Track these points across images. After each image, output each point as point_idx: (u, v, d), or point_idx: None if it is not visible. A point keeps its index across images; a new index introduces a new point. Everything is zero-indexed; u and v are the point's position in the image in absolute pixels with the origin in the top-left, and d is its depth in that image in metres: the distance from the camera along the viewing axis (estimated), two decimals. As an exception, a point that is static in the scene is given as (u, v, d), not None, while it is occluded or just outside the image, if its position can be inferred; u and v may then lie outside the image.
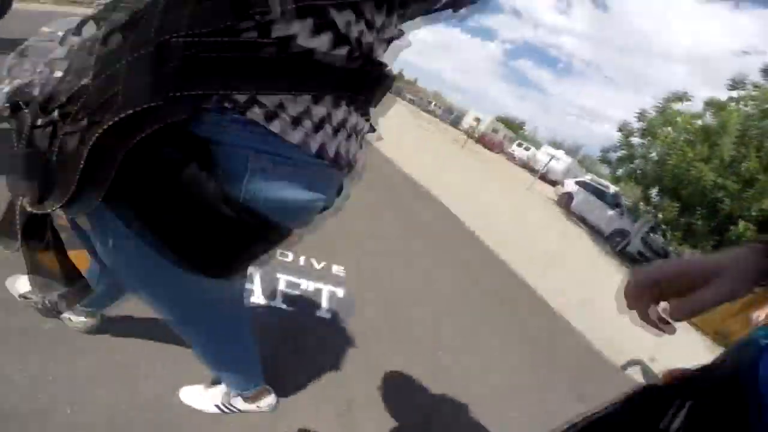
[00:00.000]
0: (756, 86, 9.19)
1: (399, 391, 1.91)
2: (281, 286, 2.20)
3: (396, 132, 11.59)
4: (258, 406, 1.37)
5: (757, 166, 8.10)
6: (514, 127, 51.11)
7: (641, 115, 11.34)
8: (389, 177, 5.94)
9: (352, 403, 1.69)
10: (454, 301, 3.10)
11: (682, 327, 4.26)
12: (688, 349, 5.11)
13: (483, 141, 26.38)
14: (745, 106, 9.20)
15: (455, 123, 34.20)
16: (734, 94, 9.61)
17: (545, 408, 2.38)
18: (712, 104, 9.89)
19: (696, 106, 10.66)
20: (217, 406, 1.33)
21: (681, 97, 10.72)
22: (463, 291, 3.35)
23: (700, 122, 10.08)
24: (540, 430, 2.21)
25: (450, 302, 3.05)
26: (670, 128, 10.44)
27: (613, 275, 7.77)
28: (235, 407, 1.34)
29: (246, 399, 1.34)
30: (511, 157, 27.07)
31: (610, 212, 12.09)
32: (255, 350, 1.21)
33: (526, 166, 25.28)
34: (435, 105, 39.79)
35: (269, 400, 1.41)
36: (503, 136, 30.99)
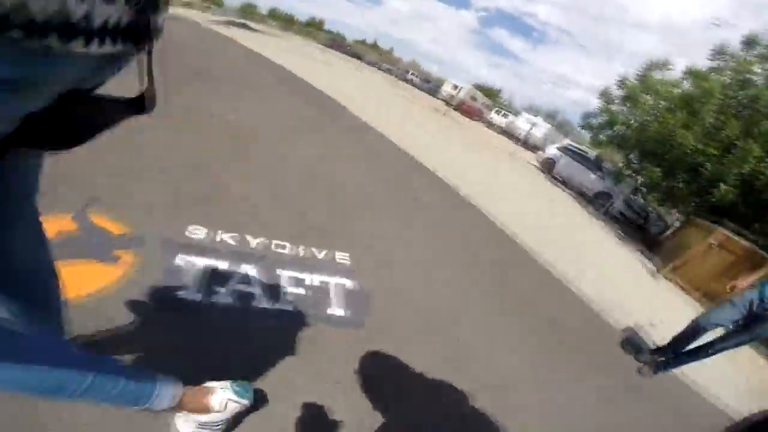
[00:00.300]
0: (734, 57, 9.35)
1: (424, 390, 1.71)
2: (284, 285, 1.92)
3: (376, 102, 11.10)
4: (211, 416, 1.12)
5: (737, 133, 8.25)
6: (491, 94, 50.50)
7: (622, 83, 11.39)
8: (379, 150, 5.60)
9: (375, 408, 1.50)
10: (462, 276, 2.91)
11: (674, 291, 4.28)
12: (680, 311, 5.21)
13: (462, 109, 25.86)
14: (723, 76, 9.37)
15: (433, 92, 33.32)
16: (714, 64, 9.76)
17: (562, 386, 2.26)
18: (691, 73, 10.02)
19: (672, 73, 10.83)
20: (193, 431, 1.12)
21: (661, 65, 10.82)
22: (469, 265, 3.16)
23: (678, 90, 10.22)
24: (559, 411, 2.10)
25: (458, 278, 2.85)
26: (649, 96, 10.56)
27: (602, 236, 7.84)
28: (203, 422, 1.12)
29: (180, 410, 1.09)
30: (490, 124, 26.81)
31: (593, 176, 12.22)
32: (75, 351, 0.90)
33: (506, 132, 25.13)
34: (412, 74, 38.49)
35: (216, 398, 1.13)
36: (481, 104, 30.51)
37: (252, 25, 27.35)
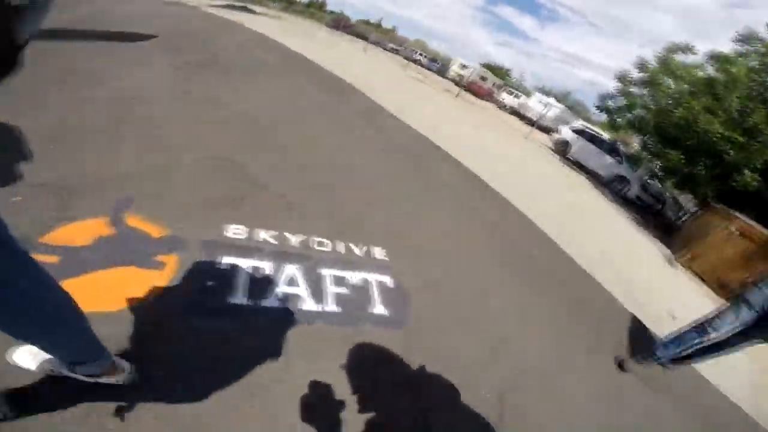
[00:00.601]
0: (759, 40, 8.97)
1: (464, 387, 1.70)
2: (328, 285, 1.90)
3: (389, 85, 10.84)
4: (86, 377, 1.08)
5: (764, 119, 8.01)
6: (500, 73, 49.28)
7: (641, 65, 11.10)
8: (398, 136, 5.47)
9: (429, 412, 1.50)
10: (492, 264, 2.88)
11: (691, 279, 4.20)
12: (698, 301, 5.14)
13: (472, 89, 25.23)
14: (750, 60, 9.04)
15: (441, 72, 32.51)
16: (740, 48, 9.39)
17: (594, 376, 2.24)
18: (717, 58, 9.64)
19: (694, 57, 10.50)
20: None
21: (684, 48, 10.48)
22: (498, 252, 3.12)
23: (701, 73, 9.91)
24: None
25: (490, 267, 2.82)
26: (671, 79, 10.31)
27: (618, 221, 7.70)
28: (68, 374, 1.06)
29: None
30: (501, 105, 26.21)
31: (609, 159, 11.96)
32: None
33: (517, 113, 24.59)
34: (419, 54, 37.57)
35: (119, 376, 1.12)
36: (491, 84, 29.80)
37: (253, 8, 26.68)
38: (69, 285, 1.30)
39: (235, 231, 1.95)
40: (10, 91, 2.37)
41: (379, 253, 2.34)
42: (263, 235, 2.01)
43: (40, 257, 1.39)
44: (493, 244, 3.36)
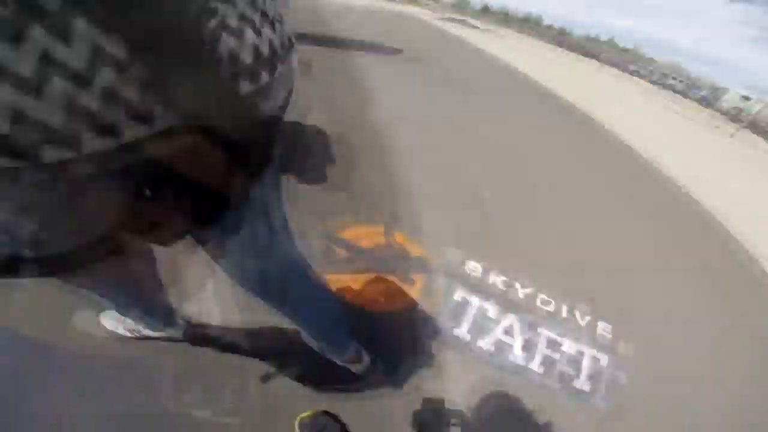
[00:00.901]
0: None
1: None
2: (541, 345, 1.98)
3: (630, 116, 9.49)
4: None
5: None
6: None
7: None
8: (646, 185, 4.80)
9: None
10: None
11: None
12: None
13: (759, 127, 19.08)
14: None
15: (707, 102, 25.98)
16: None
17: None
18: None
19: None
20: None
21: None
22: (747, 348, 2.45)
23: None
24: None
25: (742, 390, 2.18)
26: None
27: None
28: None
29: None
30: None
31: None
32: None
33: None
34: (674, 79, 31.18)
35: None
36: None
37: (473, 22, 28.09)
38: (346, 279, 1.83)
39: (473, 268, 2.27)
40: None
41: (604, 330, 2.22)
42: (495, 278, 2.26)
43: (336, 248, 2.01)
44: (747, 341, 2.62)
